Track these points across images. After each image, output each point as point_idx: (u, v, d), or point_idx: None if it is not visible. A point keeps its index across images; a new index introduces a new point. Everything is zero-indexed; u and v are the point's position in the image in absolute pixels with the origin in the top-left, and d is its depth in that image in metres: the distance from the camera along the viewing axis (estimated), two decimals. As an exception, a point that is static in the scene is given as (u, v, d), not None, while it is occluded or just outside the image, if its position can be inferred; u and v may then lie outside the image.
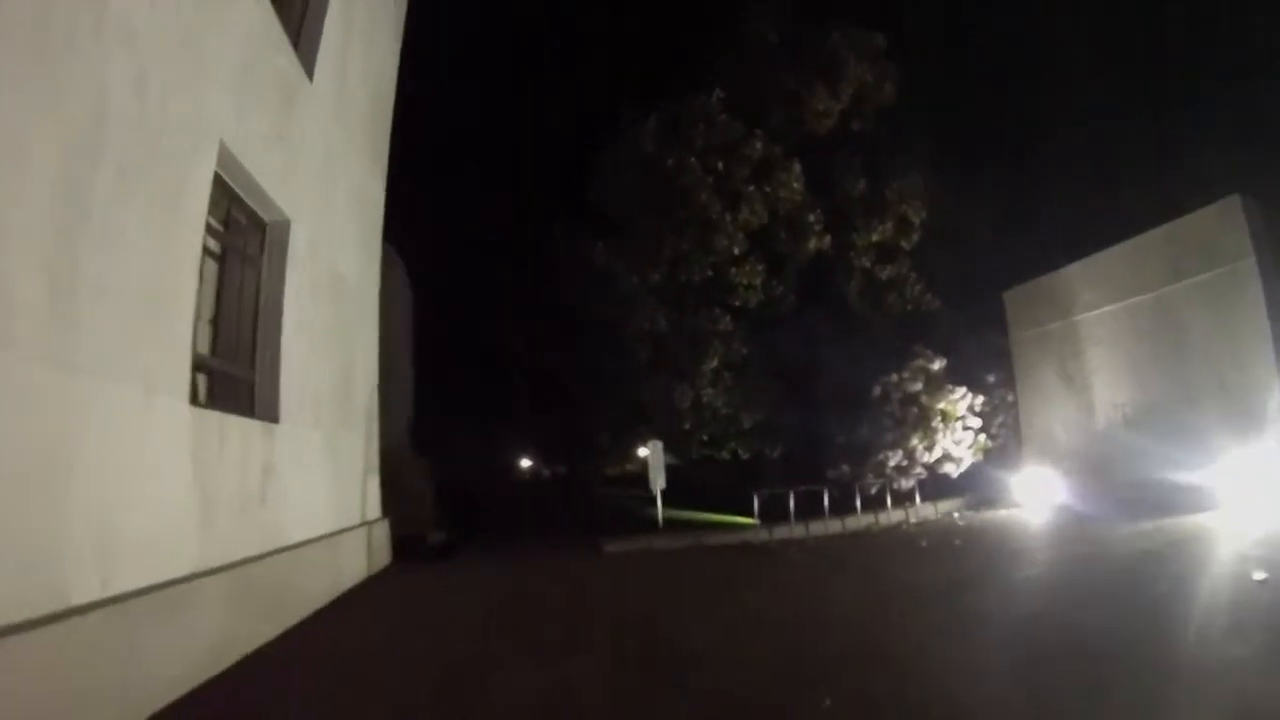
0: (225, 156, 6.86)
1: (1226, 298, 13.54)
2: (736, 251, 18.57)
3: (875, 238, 18.85)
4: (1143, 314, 14.99)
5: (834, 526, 15.36)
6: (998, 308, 18.11)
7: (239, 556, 6.74)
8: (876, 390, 17.53)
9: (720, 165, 18.60)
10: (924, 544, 12.78)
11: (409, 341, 19.45)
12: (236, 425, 6.99)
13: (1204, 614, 6.76)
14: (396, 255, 16.94)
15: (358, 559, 10.40)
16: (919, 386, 17.31)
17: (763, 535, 14.59)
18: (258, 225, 8.21)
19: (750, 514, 15.41)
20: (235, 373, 7.66)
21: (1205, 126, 18.62)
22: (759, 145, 18.53)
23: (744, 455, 19.81)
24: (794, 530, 14.91)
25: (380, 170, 12.45)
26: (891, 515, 16.10)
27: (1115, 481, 14.87)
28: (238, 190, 7.54)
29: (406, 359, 18.97)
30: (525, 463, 53.54)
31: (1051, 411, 16.94)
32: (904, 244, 19.04)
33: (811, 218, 18.60)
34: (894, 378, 17.43)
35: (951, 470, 17.38)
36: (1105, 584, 8.51)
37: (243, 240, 7.91)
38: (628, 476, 23.82)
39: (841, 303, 19.03)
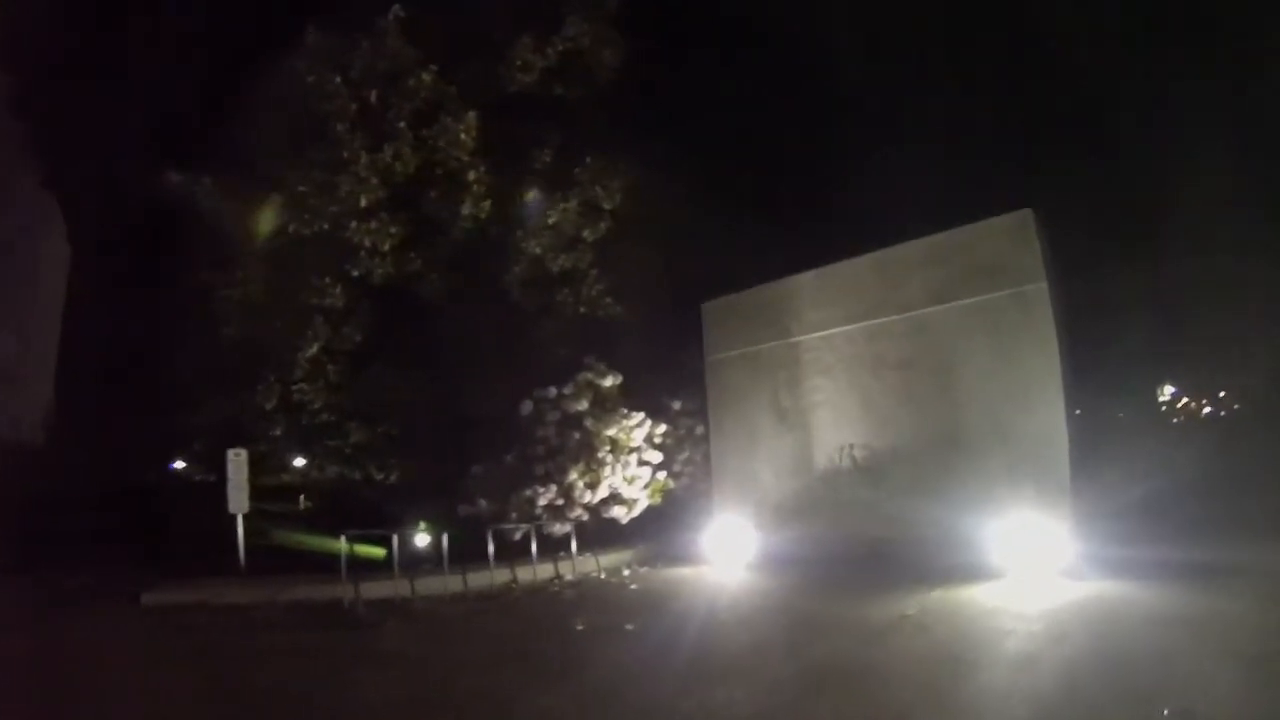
0: None
1: (1008, 326, 10.85)
2: (364, 203, 14.11)
3: (552, 219, 14.98)
4: (890, 339, 11.97)
5: (454, 583, 11.40)
6: (697, 322, 14.53)
7: None
8: (528, 407, 13.43)
9: (374, 96, 14.42)
10: (579, 625, 8.89)
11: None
12: None
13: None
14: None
15: None
16: (584, 406, 13.37)
17: (358, 591, 10.75)
18: None
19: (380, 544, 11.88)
20: None
21: (986, 134, 16.45)
22: (427, 79, 14.44)
23: (354, 476, 15.18)
24: (399, 586, 11.02)
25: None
26: (538, 570, 11.97)
27: (844, 539, 11.63)
28: None
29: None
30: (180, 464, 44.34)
31: (756, 449, 13.35)
32: (588, 233, 15.27)
33: (473, 175, 14.59)
34: (552, 392, 13.41)
35: (621, 514, 13.41)
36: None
37: None
38: (286, 489, 18.86)
39: (500, 292, 14.95)
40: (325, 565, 11.51)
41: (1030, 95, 17.19)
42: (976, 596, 8.87)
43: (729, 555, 12.24)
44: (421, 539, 12.07)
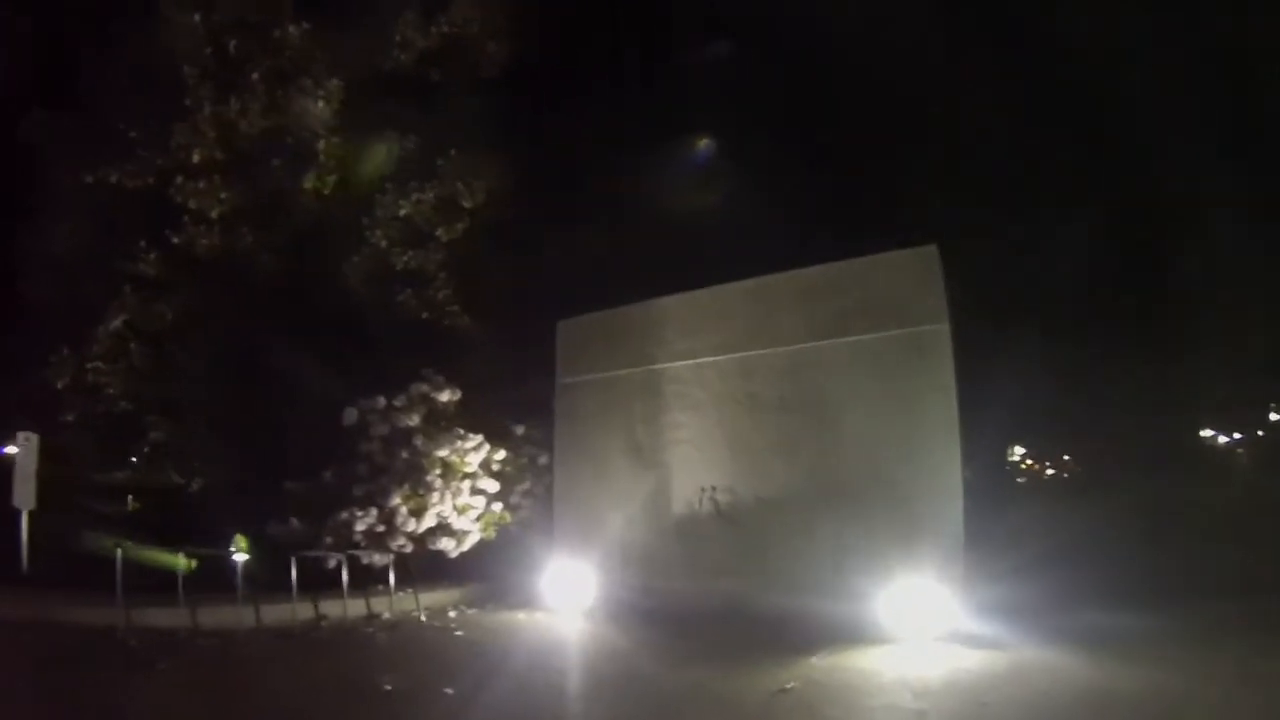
0: None
1: (901, 370, 9.76)
2: (197, 158, 12.33)
3: (404, 209, 13.39)
4: (765, 375, 10.73)
5: (247, 616, 9.61)
6: (551, 342, 12.91)
7: None
8: (352, 415, 11.67)
9: (234, 45, 12.75)
10: (387, 685, 7.11)
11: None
12: None
13: None
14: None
15: None
16: (415, 421, 11.73)
17: (129, 618, 8.95)
18: None
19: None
20: None
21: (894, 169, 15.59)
22: (295, 34, 12.88)
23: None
24: (185, 615, 9.32)
25: None
26: (350, 606, 10.26)
27: (699, 593, 10.26)
28: None
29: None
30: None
31: (605, 486, 11.81)
32: (442, 232, 13.71)
33: (322, 146, 12.92)
34: (381, 402, 11.73)
35: (450, 547, 11.62)
36: None
37: None
38: (119, 488, 16.23)
39: (336, 285, 13.27)
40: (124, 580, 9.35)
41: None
42: (866, 665, 7.56)
43: (568, 601, 10.66)
44: (240, 556, 10.27)
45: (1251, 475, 29.04)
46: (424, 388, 11.95)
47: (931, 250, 9.97)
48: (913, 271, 10.03)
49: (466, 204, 13.85)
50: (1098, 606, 8.78)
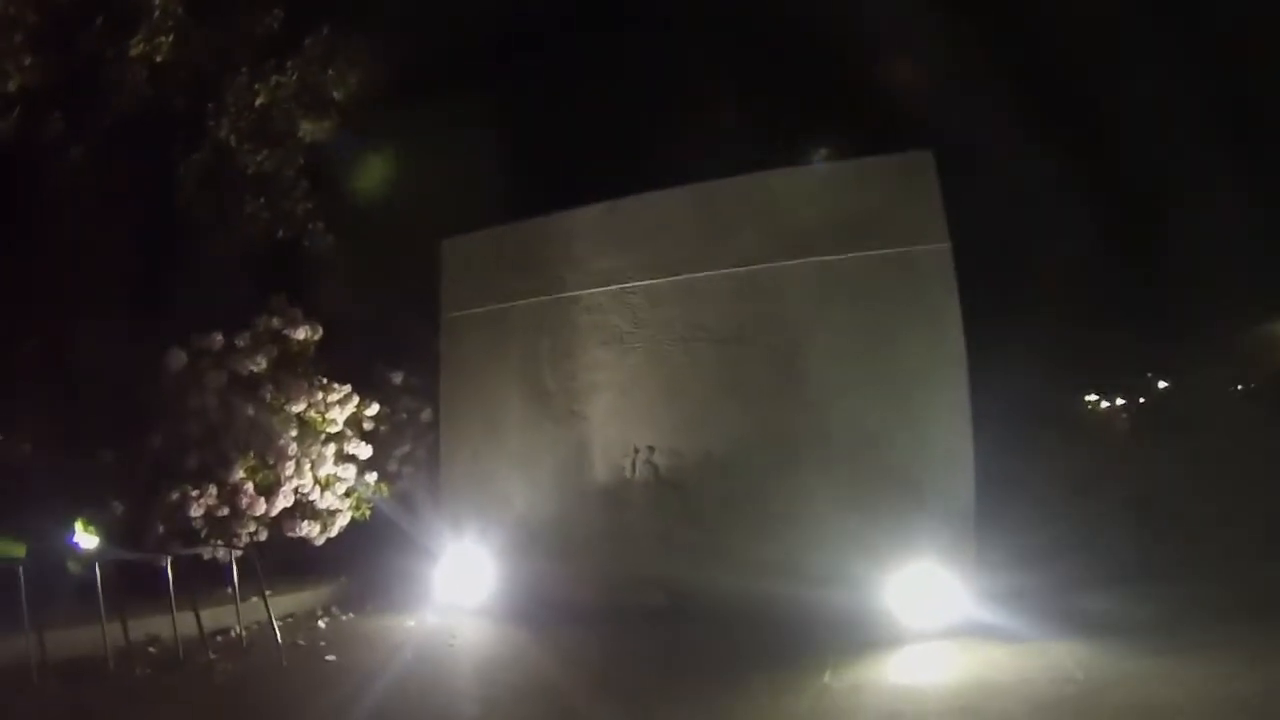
0: None
1: (890, 298, 7.79)
2: (-6, 13, 9.16)
3: (261, 99, 10.52)
4: (713, 301, 8.48)
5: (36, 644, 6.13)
6: (435, 269, 10.16)
7: None
8: (179, 360, 8.74)
9: None
10: None
11: None
12: None
13: None
14: None
15: None
16: (262, 366, 8.95)
17: None
18: None
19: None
20: None
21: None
22: None
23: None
24: None
25: None
26: (181, 622, 6.90)
27: (634, 583, 8.03)
28: None
29: None
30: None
31: (506, 447, 9.26)
32: (305, 128, 10.92)
33: (159, 3, 9.74)
34: (218, 341, 8.92)
35: (314, 533, 8.89)
36: None
37: None
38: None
39: (166, 190, 10.25)
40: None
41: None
42: (900, 682, 5.55)
43: (465, 598, 8.35)
44: (88, 540, 7.53)
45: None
46: (274, 322, 9.14)
47: (926, 156, 7.91)
48: (904, 180, 7.97)
49: (336, 94, 11.09)
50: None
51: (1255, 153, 15.78)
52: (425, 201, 11.05)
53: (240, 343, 8.97)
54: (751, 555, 7.54)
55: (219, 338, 8.95)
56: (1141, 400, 32.69)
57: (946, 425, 7.45)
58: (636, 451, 8.57)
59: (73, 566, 6.96)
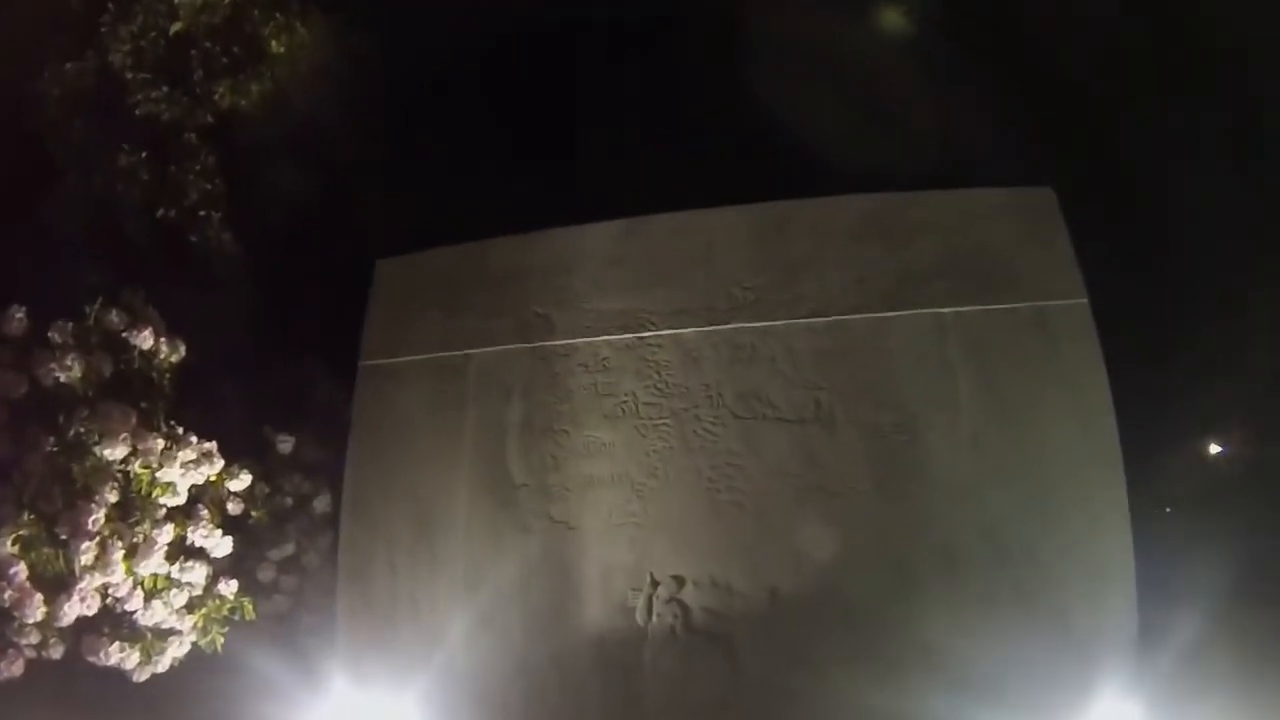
0: None
1: (1020, 362, 5.81)
2: None
3: (176, 25, 7.77)
4: (774, 360, 6.06)
5: None
6: (361, 295, 6.99)
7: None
8: None
9: None
10: None
11: None
12: None
13: None
14: None
15: None
16: (75, 374, 5.55)
17: None
18: None
19: None
20: None
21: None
22: None
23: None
24: None
25: None
26: None
27: None
28: None
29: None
30: None
31: (443, 566, 6.17)
32: (224, 89, 8.14)
33: None
34: (17, 320, 5.48)
35: (131, 664, 5.49)
36: None
37: None
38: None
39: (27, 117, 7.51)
40: None
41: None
42: None
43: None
44: None
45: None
46: (113, 318, 6.07)
47: (1048, 193, 6.08)
48: (1026, 219, 6.05)
49: (274, 48, 8.38)
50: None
51: None
52: (369, 201, 8.34)
53: (56, 336, 5.69)
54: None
55: (19, 317, 5.64)
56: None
57: (1103, 522, 5.45)
58: (655, 584, 5.80)
59: None
